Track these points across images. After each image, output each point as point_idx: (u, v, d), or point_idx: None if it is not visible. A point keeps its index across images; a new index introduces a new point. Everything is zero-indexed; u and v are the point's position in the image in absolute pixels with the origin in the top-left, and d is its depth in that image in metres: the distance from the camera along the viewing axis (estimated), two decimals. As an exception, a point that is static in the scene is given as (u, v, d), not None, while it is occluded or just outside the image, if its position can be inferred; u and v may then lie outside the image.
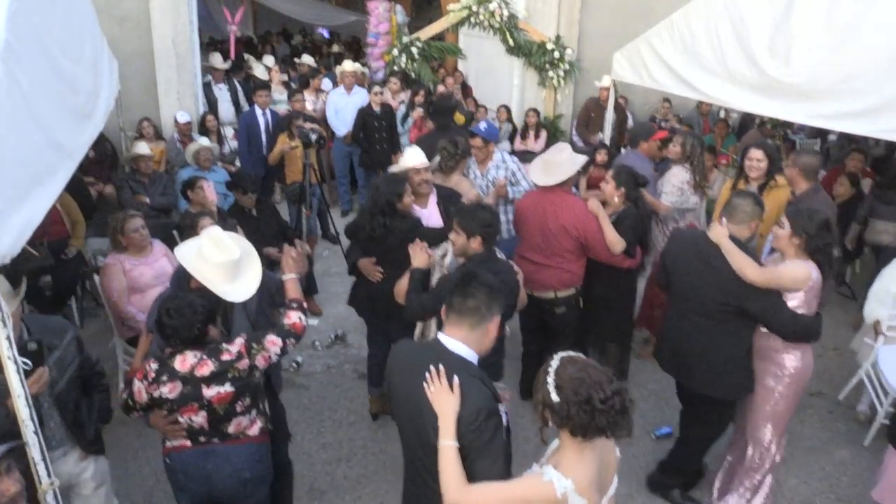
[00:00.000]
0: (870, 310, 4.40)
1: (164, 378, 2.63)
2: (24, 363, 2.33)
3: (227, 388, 2.65)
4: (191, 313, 2.62)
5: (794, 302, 3.21)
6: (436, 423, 2.05)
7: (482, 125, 5.08)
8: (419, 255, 3.43)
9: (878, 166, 7.69)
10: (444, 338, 2.22)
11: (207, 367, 2.63)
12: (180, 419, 2.68)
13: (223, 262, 2.81)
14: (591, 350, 4.71)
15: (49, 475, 2.35)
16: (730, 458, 3.74)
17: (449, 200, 4.29)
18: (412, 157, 4.31)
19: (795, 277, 3.18)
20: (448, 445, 2.02)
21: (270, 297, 3.22)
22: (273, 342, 2.74)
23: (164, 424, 2.70)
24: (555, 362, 1.94)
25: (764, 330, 3.34)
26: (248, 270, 2.90)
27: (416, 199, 4.17)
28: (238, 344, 2.70)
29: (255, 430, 2.83)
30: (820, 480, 4.05)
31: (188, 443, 2.74)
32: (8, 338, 2.18)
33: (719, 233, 3.30)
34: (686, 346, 3.48)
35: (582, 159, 4.36)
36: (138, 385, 2.67)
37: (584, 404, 1.83)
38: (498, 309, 2.22)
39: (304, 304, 2.95)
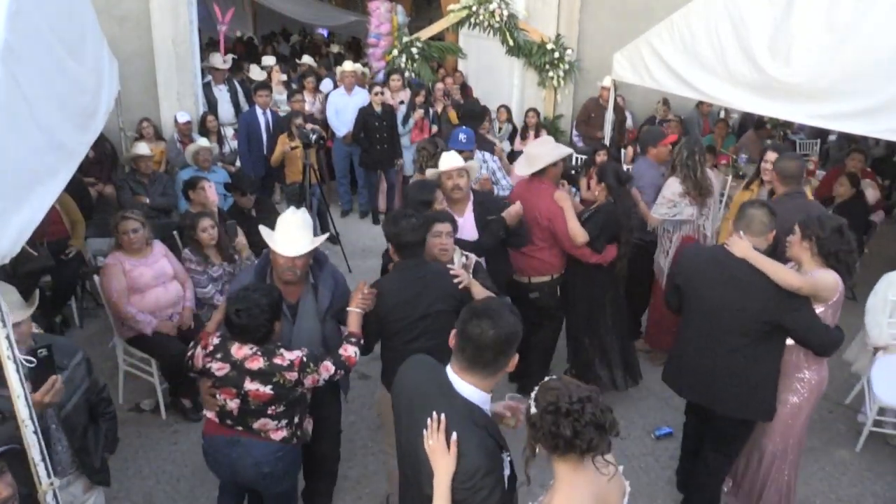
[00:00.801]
0: (877, 334, 4.18)
1: (219, 356, 2.79)
2: (28, 360, 2.33)
3: (268, 389, 2.76)
4: (258, 312, 2.74)
5: (824, 313, 3.14)
6: (431, 475, 1.94)
7: (461, 136, 4.85)
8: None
9: (878, 166, 7.71)
10: (453, 377, 2.03)
11: (257, 364, 2.75)
12: (218, 396, 2.82)
13: (286, 221, 3.07)
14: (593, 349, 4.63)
15: (49, 475, 2.35)
16: (749, 475, 3.60)
17: (485, 207, 4.09)
18: (446, 161, 4.05)
19: (829, 285, 3.08)
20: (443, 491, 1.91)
21: (341, 309, 3.18)
22: (327, 368, 2.88)
23: (206, 393, 2.89)
24: (544, 381, 1.92)
25: (788, 344, 3.20)
26: (302, 237, 3.05)
27: (451, 205, 3.97)
28: (295, 356, 2.80)
29: (277, 435, 2.88)
30: (820, 480, 4.05)
31: (216, 420, 2.88)
32: (7, 337, 2.18)
33: (743, 246, 3.10)
34: (716, 369, 3.24)
35: (564, 151, 4.41)
36: (199, 351, 2.86)
37: (550, 407, 1.79)
38: (514, 350, 2.02)
39: (362, 340, 3.06)
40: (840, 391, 4.79)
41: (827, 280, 3.08)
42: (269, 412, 2.83)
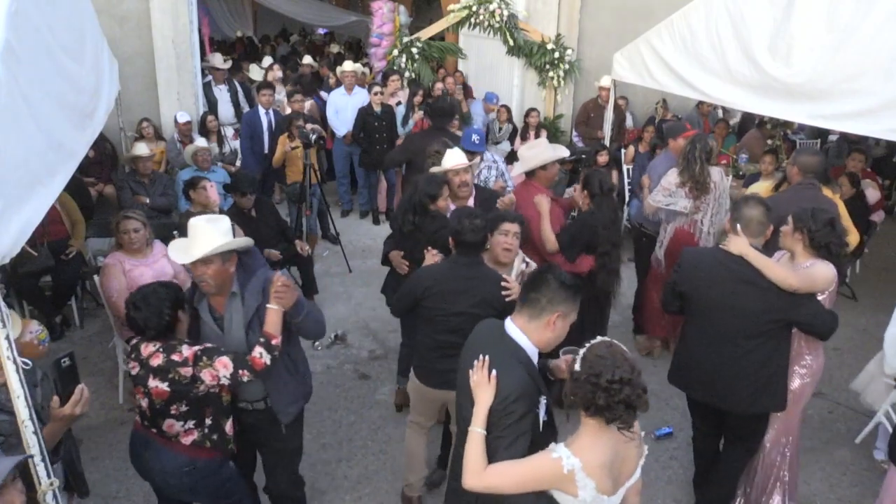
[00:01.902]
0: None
1: (133, 355, 2.78)
2: (24, 363, 2.32)
3: (164, 386, 2.69)
4: (155, 301, 2.70)
5: (824, 302, 3.25)
6: (471, 409, 2.21)
7: (474, 137, 4.93)
8: (429, 261, 3.51)
9: (879, 166, 7.71)
10: (508, 324, 2.32)
11: (157, 360, 2.69)
12: (136, 396, 2.82)
13: (192, 226, 2.81)
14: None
15: (49, 476, 2.35)
16: (753, 464, 3.61)
17: (489, 203, 4.19)
18: (453, 158, 4.18)
19: (826, 277, 3.16)
20: (476, 432, 2.15)
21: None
22: (224, 364, 2.69)
23: (131, 392, 2.88)
24: (595, 340, 2.06)
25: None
26: (202, 243, 2.76)
27: (456, 201, 4.09)
28: (189, 350, 2.70)
29: (187, 440, 2.80)
30: (820, 480, 4.05)
31: (138, 419, 2.87)
32: (7, 338, 2.18)
33: (741, 243, 3.13)
34: (723, 369, 3.24)
35: (552, 154, 4.45)
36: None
37: (592, 377, 1.93)
38: (562, 306, 2.24)
39: (275, 342, 2.76)
40: (840, 391, 4.79)
41: (823, 272, 3.15)
42: (173, 411, 2.75)
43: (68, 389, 2.37)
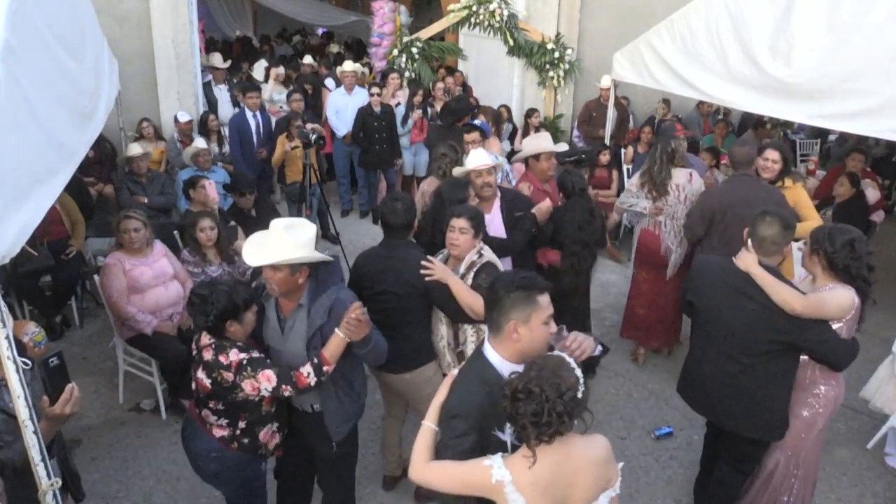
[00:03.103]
0: None
1: (195, 338, 2.84)
2: (24, 363, 2.32)
3: (207, 383, 2.73)
4: (209, 304, 2.70)
5: (840, 331, 2.99)
6: None
7: (476, 120, 5.12)
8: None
9: (879, 166, 7.70)
10: (486, 343, 2.24)
11: (208, 354, 2.73)
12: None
13: (312, 235, 2.77)
14: None
15: (49, 476, 2.35)
16: (757, 487, 3.49)
17: (514, 205, 4.14)
18: (475, 159, 4.11)
19: (840, 305, 2.92)
20: (426, 426, 2.20)
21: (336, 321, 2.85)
22: (268, 378, 2.67)
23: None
24: (549, 352, 2.04)
25: (803, 359, 3.10)
26: (272, 248, 2.69)
27: (480, 203, 4.05)
28: (236, 356, 2.70)
29: (218, 432, 2.84)
30: (820, 480, 4.03)
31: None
32: (7, 338, 2.18)
33: (749, 260, 2.98)
34: (724, 387, 3.15)
35: (548, 144, 4.61)
36: None
37: (507, 384, 1.93)
38: (514, 313, 2.12)
39: (327, 368, 2.70)
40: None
41: (838, 299, 2.92)
42: (210, 405, 2.80)
43: (58, 389, 2.34)
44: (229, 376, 2.68)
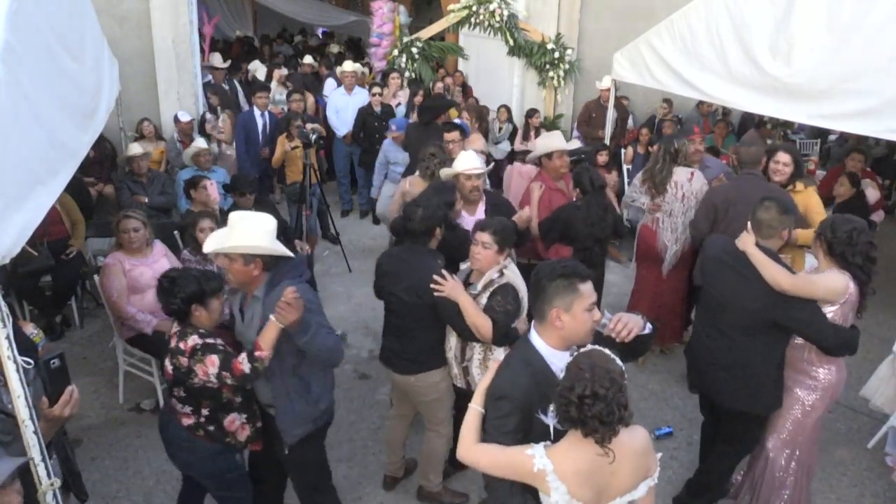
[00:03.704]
0: None
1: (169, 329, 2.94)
2: (25, 362, 2.31)
3: (170, 368, 2.79)
4: (176, 288, 2.77)
5: (829, 314, 3.06)
6: None
7: (456, 120, 5.12)
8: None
9: (879, 166, 7.70)
10: (532, 330, 2.32)
11: (173, 341, 2.80)
12: None
13: (270, 228, 2.80)
14: None
15: (49, 476, 2.35)
16: (755, 473, 3.56)
17: (498, 209, 4.13)
18: (465, 162, 4.09)
19: (830, 288, 3.02)
20: (473, 409, 2.28)
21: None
22: (212, 363, 2.70)
23: None
24: (584, 348, 2.04)
25: (799, 341, 3.21)
26: (232, 237, 2.75)
27: (465, 205, 4.03)
28: (193, 341, 2.75)
29: (185, 421, 2.88)
30: (820, 480, 4.04)
31: None
32: (7, 337, 2.18)
33: (746, 240, 3.15)
34: (717, 361, 3.30)
35: (559, 143, 4.68)
36: None
37: (565, 390, 1.92)
38: (557, 301, 2.18)
39: (259, 354, 2.66)
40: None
41: (828, 282, 3.03)
42: (175, 392, 2.87)
43: (58, 390, 2.33)
44: (185, 361, 2.73)
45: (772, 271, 3.03)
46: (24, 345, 2.47)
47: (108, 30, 6.20)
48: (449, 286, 3.12)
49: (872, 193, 6.49)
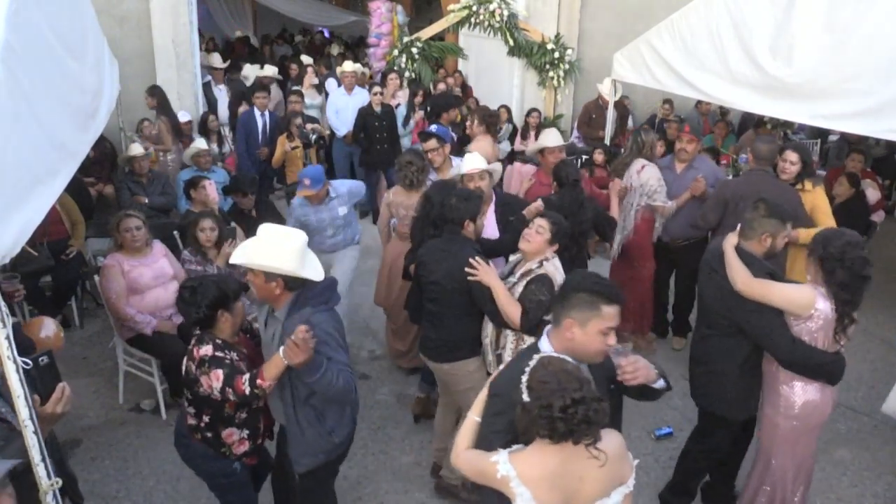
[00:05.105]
0: None
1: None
2: (24, 363, 2.31)
3: (184, 371, 2.80)
4: (199, 295, 2.74)
5: (796, 330, 2.94)
6: None
7: (432, 126, 5.11)
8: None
9: (878, 166, 7.70)
10: (547, 329, 2.34)
11: (192, 342, 2.80)
12: None
13: (297, 247, 2.67)
14: None
15: (49, 476, 2.35)
16: (753, 480, 3.45)
17: (509, 208, 4.16)
18: (469, 163, 4.11)
19: (790, 299, 2.92)
20: (469, 418, 2.31)
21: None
22: (217, 377, 2.65)
23: None
24: (532, 362, 2.01)
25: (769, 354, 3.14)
26: (256, 249, 2.69)
27: None
28: (205, 351, 2.72)
29: (188, 420, 2.90)
30: (820, 481, 4.04)
31: None
32: (7, 337, 2.18)
33: (728, 240, 3.18)
34: (694, 355, 3.43)
35: (553, 140, 4.87)
36: None
37: (544, 410, 1.88)
38: (574, 312, 2.15)
39: (260, 382, 2.60)
40: (840, 391, 4.76)
41: (790, 292, 2.95)
42: (185, 393, 2.89)
43: (49, 388, 2.32)
44: (192, 368, 2.72)
45: (732, 270, 3.05)
46: (23, 345, 2.48)
47: (108, 30, 6.20)
48: (482, 270, 3.23)
49: (872, 193, 6.48)
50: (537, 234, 3.28)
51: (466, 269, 3.25)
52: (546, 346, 2.25)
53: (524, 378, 1.97)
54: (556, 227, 3.30)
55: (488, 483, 2.06)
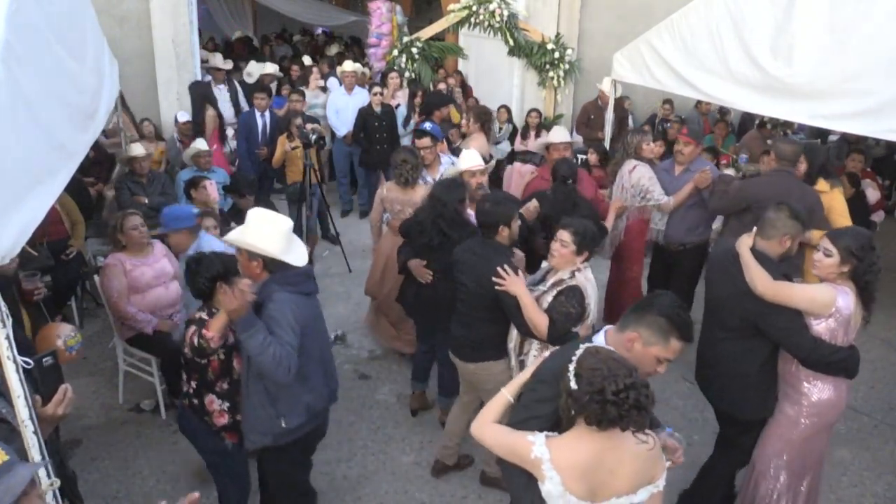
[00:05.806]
0: None
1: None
2: (25, 363, 2.31)
3: (186, 339, 2.99)
4: (202, 268, 2.97)
5: (818, 329, 2.94)
6: None
7: (426, 124, 5.10)
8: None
9: (879, 166, 7.69)
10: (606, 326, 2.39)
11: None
12: None
13: (282, 232, 2.88)
14: None
15: (49, 476, 2.35)
16: (749, 486, 3.44)
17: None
18: (468, 160, 4.20)
19: (812, 299, 2.93)
20: (502, 394, 2.34)
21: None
22: (191, 332, 2.92)
23: None
24: (579, 351, 2.03)
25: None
26: (245, 232, 2.88)
27: (470, 204, 4.09)
28: (199, 314, 2.99)
29: (183, 387, 3.11)
30: (820, 481, 4.04)
31: None
32: (7, 337, 2.18)
33: (743, 241, 3.14)
34: (708, 359, 3.37)
35: (558, 138, 5.02)
36: None
37: (597, 394, 1.90)
38: (643, 329, 2.20)
39: (206, 333, 2.83)
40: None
41: (812, 293, 2.96)
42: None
43: (51, 389, 2.31)
44: (187, 333, 2.96)
45: (752, 273, 3.00)
46: (23, 345, 2.48)
47: (108, 30, 6.19)
48: (510, 281, 3.19)
49: (872, 194, 6.48)
50: (563, 247, 3.18)
51: (494, 279, 3.21)
52: (601, 342, 2.27)
53: (571, 367, 1.99)
54: (579, 236, 3.17)
55: (517, 460, 2.08)
